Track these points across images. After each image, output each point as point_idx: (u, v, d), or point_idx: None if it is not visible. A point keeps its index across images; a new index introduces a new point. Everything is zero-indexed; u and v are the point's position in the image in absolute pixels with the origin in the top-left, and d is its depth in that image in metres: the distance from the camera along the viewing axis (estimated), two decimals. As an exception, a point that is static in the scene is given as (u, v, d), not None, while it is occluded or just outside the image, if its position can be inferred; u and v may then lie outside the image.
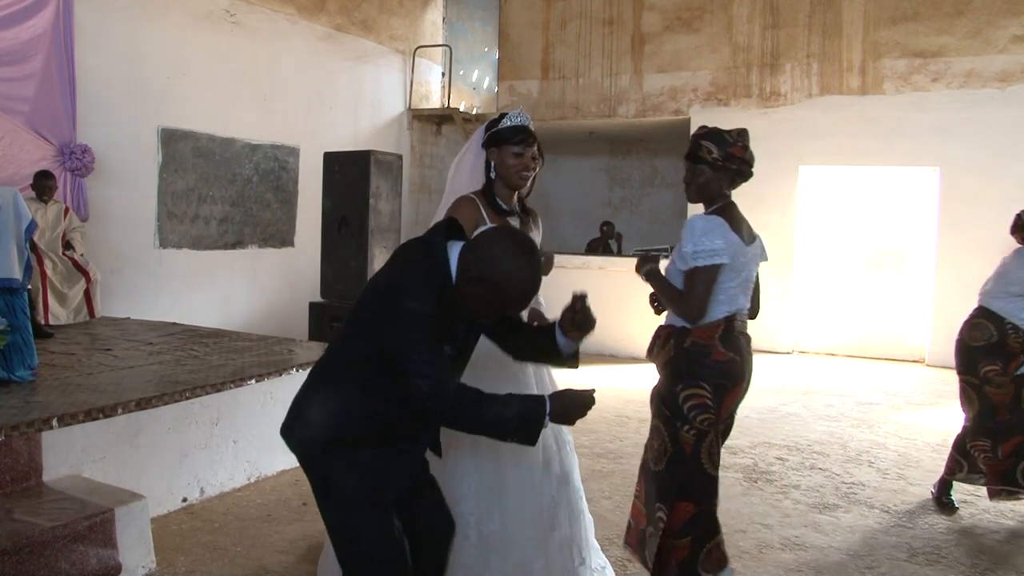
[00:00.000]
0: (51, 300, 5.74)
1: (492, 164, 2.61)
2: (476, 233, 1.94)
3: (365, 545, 1.97)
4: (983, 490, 4.43)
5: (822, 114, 9.14)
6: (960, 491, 4.38)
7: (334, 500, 1.99)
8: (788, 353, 9.29)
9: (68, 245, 6.14)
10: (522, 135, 2.56)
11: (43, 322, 5.57)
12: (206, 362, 4.40)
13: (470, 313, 1.93)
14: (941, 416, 6.29)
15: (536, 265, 1.89)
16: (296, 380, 4.15)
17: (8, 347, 3.59)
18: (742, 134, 2.59)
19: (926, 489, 4.41)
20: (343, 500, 1.97)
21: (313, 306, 6.67)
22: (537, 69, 10.83)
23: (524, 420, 1.86)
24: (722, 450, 5.03)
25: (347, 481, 1.95)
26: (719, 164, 2.55)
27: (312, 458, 2.01)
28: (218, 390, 3.85)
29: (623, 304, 8.59)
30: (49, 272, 5.76)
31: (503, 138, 2.57)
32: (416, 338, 1.82)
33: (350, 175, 6.45)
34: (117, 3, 7.01)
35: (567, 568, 2.61)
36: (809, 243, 9.48)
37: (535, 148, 2.61)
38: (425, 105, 11.11)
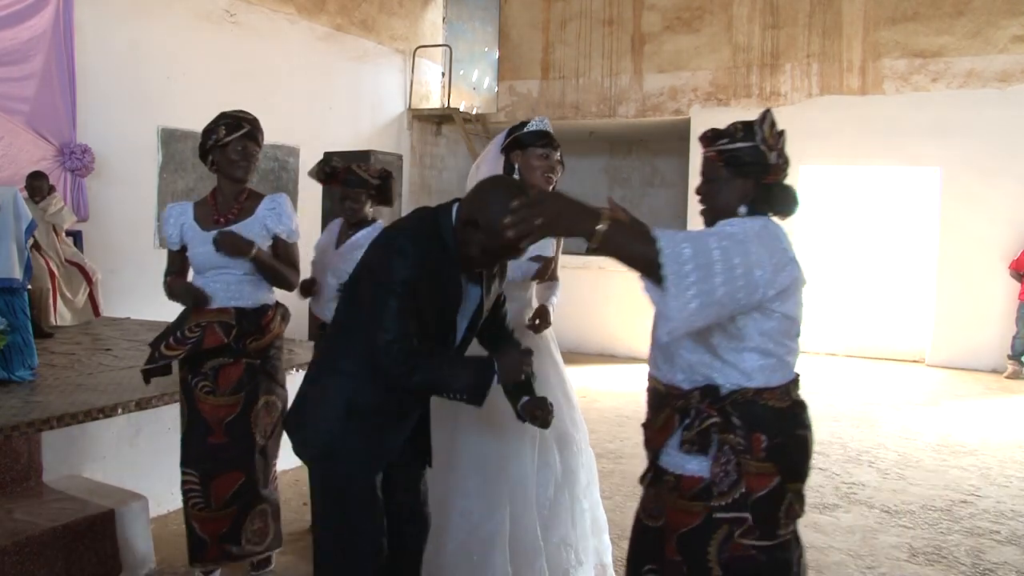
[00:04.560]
0: (59, 301, 5.73)
1: (516, 167, 2.67)
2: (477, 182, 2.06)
3: (349, 529, 2.04)
4: (983, 489, 4.43)
5: (822, 114, 9.14)
6: (959, 490, 4.38)
7: (330, 483, 2.06)
8: (788, 353, 9.28)
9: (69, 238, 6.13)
10: (546, 139, 2.65)
11: (51, 323, 5.57)
12: (206, 362, 4.39)
13: (468, 262, 1.98)
14: (941, 416, 6.29)
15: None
16: (296, 380, 4.15)
17: (8, 347, 3.59)
18: None
19: (926, 489, 4.41)
20: (341, 484, 2.05)
21: (313, 306, 6.67)
22: (537, 69, 10.83)
23: (475, 386, 1.92)
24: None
25: (347, 462, 2.04)
26: None
27: (317, 437, 2.07)
28: (218, 390, 3.84)
29: (622, 304, 8.60)
30: (56, 273, 5.75)
31: (528, 141, 2.65)
32: (389, 298, 1.89)
33: (350, 175, 6.44)
34: (117, 3, 7.01)
35: (565, 568, 2.61)
36: (809, 243, 9.48)
37: (558, 153, 2.69)
38: (425, 105, 11.11)
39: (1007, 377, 7.93)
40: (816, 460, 4.88)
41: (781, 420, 1.79)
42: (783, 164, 1.87)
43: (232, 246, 2.66)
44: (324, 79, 9.31)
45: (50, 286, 5.66)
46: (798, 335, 1.85)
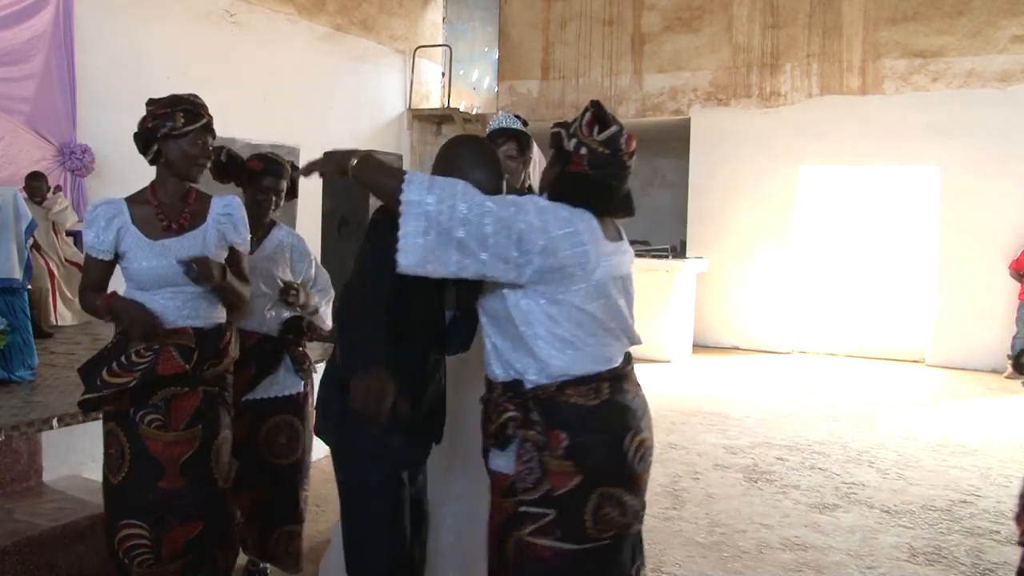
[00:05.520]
0: (59, 301, 5.75)
1: None
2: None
3: (372, 532, 2.05)
4: (983, 489, 4.43)
5: (822, 114, 9.14)
6: (959, 490, 4.38)
7: (352, 485, 2.08)
8: (788, 353, 9.30)
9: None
10: (504, 135, 2.73)
11: (51, 323, 5.57)
12: (206, 362, 4.38)
13: None
14: (941, 416, 6.29)
15: (494, 164, 1.98)
16: (296, 380, 4.14)
17: (8, 347, 3.59)
18: None
19: (926, 489, 4.41)
20: (361, 485, 2.06)
21: (313, 306, 6.66)
22: (537, 69, 10.83)
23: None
24: (722, 450, 5.07)
25: (366, 464, 2.04)
26: None
27: (339, 439, 2.10)
28: (218, 390, 3.83)
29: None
30: (56, 274, 5.76)
31: (491, 139, 2.73)
32: (372, 252, 1.94)
33: (350, 175, 6.44)
34: (117, 3, 7.01)
35: None
36: (809, 243, 9.48)
37: (512, 146, 2.72)
38: (425, 105, 11.11)
39: (1007, 377, 7.92)
40: (816, 460, 4.90)
41: (585, 418, 1.74)
42: (586, 156, 1.79)
43: (209, 276, 2.18)
44: (324, 79, 9.30)
45: (50, 286, 5.66)
46: (609, 331, 1.80)
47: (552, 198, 1.81)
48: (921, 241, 9.06)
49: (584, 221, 1.77)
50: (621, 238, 1.93)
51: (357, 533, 2.08)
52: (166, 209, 2.29)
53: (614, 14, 10.32)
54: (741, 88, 9.67)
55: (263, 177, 2.88)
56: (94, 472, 3.36)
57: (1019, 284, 8.00)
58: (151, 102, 2.32)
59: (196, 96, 2.33)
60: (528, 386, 1.76)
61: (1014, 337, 7.95)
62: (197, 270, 2.15)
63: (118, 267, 2.29)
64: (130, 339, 2.22)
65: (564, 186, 1.81)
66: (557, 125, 1.89)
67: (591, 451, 1.73)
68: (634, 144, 1.86)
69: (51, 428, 3.09)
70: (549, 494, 1.73)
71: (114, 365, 2.20)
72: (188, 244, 2.26)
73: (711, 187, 9.63)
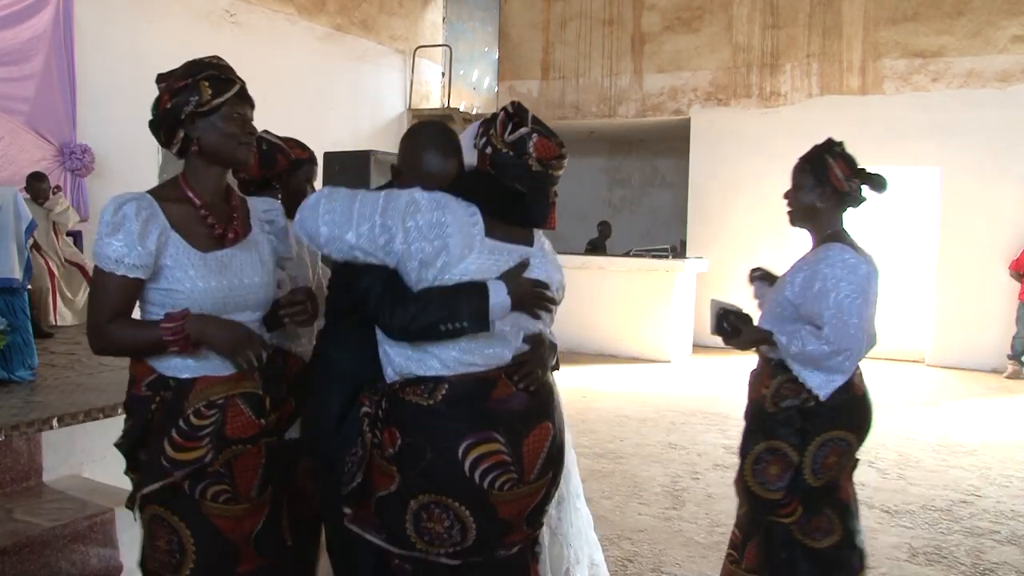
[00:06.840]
0: (59, 301, 5.75)
1: None
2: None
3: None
4: (983, 489, 4.43)
5: (822, 114, 9.14)
6: (959, 490, 4.38)
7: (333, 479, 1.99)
8: (788, 353, 9.28)
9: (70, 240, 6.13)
10: None
11: (51, 323, 5.57)
12: (206, 362, 4.37)
13: None
14: (941, 416, 6.29)
15: (453, 151, 1.87)
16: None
17: (8, 347, 3.59)
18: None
19: (926, 489, 4.41)
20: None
21: (313, 306, 6.67)
22: (537, 69, 10.83)
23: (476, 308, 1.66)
24: (722, 450, 5.06)
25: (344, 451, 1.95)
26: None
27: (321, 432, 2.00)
28: (218, 390, 3.82)
29: (622, 304, 8.59)
30: (56, 273, 5.77)
31: None
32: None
33: (350, 175, 6.44)
34: (117, 3, 7.01)
35: (566, 567, 2.61)
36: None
37: None
38: (425, 105, 11.11)
39: (1007, 377, 7.93)
40: (816, 460, 4.89)
41: (420, 419, 1.68)
42: (489, 155, 1.73)
43: (313, 312, 1.83)
44: (324, 79, 9.31)
45: (50, 286, 5.67)
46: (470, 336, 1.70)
47: (448, 190, 1.75)
48: (921, 241, 9.06)
49: (459, 215, 1.68)
50: (528, 244, 1.81)
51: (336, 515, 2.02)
52: (215, 212, 1.73)
53: (614, 14, 10.32)
54: (741, 88, 9.67)
55: (308, 165, 2.41)
56: (94, 472, 3.36)
57: (1019, 284, 8.00)
58: (162, 77, 1.76)
59: (218, 58, 1.78)
60: (389, 380, 1.75)
61: (1014, 337, 7.95)
62: (309, 307, 1.81)
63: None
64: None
65: (462, 181, 1.79)
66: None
67: (419, 454, 1.66)
68: (552, 150, 1.70)
69: (51, 428, 3.09)
70: (366, 491, 1.74)
71: (174, 434, 1.63)
72: (246, 259, 1.74)
73: (711, 187, 9.63)
